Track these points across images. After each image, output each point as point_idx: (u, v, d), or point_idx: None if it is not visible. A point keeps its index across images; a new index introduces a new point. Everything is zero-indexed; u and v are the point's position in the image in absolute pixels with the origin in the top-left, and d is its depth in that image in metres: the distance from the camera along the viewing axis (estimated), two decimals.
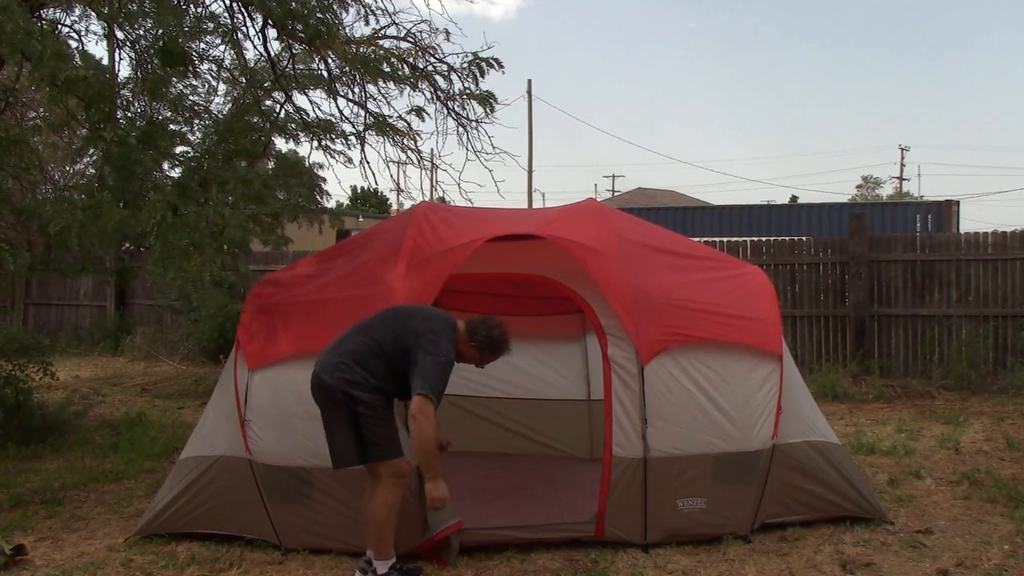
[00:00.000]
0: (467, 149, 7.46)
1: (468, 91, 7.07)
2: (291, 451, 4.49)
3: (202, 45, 7.17)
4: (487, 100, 7.16)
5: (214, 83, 7.60)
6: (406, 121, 7.33)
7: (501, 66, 6.97)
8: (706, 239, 11.72)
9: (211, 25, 6.89)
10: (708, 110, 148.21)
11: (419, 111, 7.19)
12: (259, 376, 4.62)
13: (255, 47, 7.16)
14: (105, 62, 8.47)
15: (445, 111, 7.29)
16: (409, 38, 7.03)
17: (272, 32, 6.71)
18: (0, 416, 6.73)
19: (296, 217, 7.28)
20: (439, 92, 7.18)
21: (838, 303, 10.05)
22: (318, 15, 6.19)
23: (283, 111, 7.57)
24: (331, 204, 8.26)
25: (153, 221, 5.47)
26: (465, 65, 6.94)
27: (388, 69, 6.93)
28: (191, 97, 7.32)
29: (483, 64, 6.93)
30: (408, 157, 7.63)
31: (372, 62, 6.76)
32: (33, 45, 4.92)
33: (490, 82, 7.20)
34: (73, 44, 6.78)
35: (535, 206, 34.53)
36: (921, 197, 40.60)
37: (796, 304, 10.14)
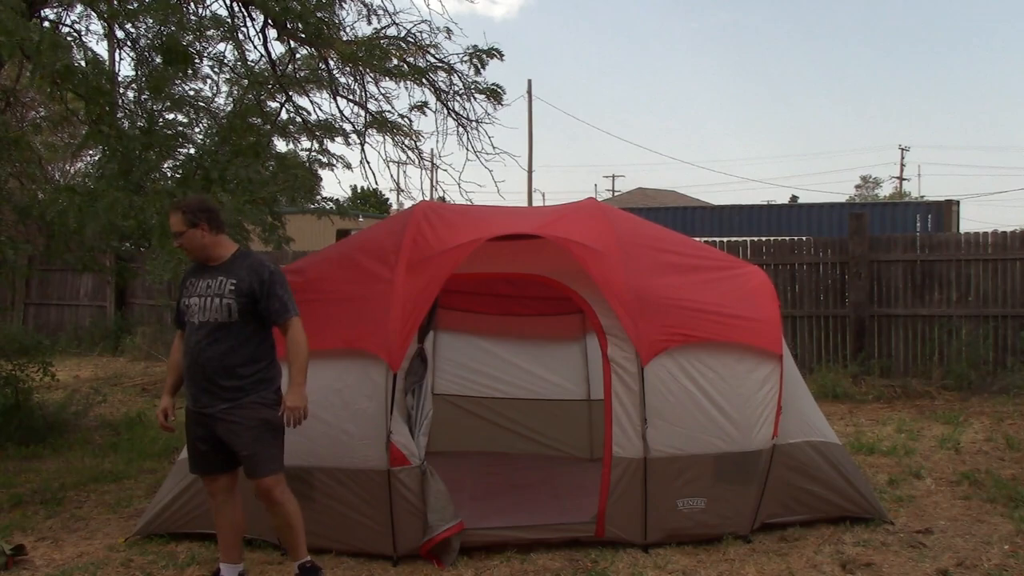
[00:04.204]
0: (467, 149, 7.45)
1: (475, 84, 7.04)
2: (291, 451, 4.47)
3: (204, 44, 7.18)
4: (494, 92, 7.12)
5: (216, 81, 7.62)
6: (408, 119, 7.32)
7: (501, 55, 6.94)
8: (706, 239, 11.72)
9: (212, 27, 6.89)
10: (708, 110, 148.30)
11: (422, 106, 7.17)
12: None
13: (255, 48, 7.16)
14: (106, 62, 8.47)
15: (445, 111, 7.28)
16: (409, 38, 7.03)
17: (272, 32, 6.72)
18: None
19: (294, 199, 7.22)
20: (439, 92, 7.17)
21: (838, 303, 10.05)
22: (318, 15, 6.19)
23: (283, 111, 7.58)
24: (331, 206, 8.21)
25: (154, 210, 5.48)
26: (466, 58, 6.92)
27: (392, 64, 6.92)
28: (194, 99, 7.33)
29: (483, 55, 6.91)
30: (408, 157, 7.63)
31: (375, 56, 6.74)
32: (31, 38, 4.93)
33: (491, 80, 7.16)
34: (75, 45, 6.78)
35: (535, 205, 34.48)
36: (921, 197, 40.58)
37: (796, 304, 10.14)
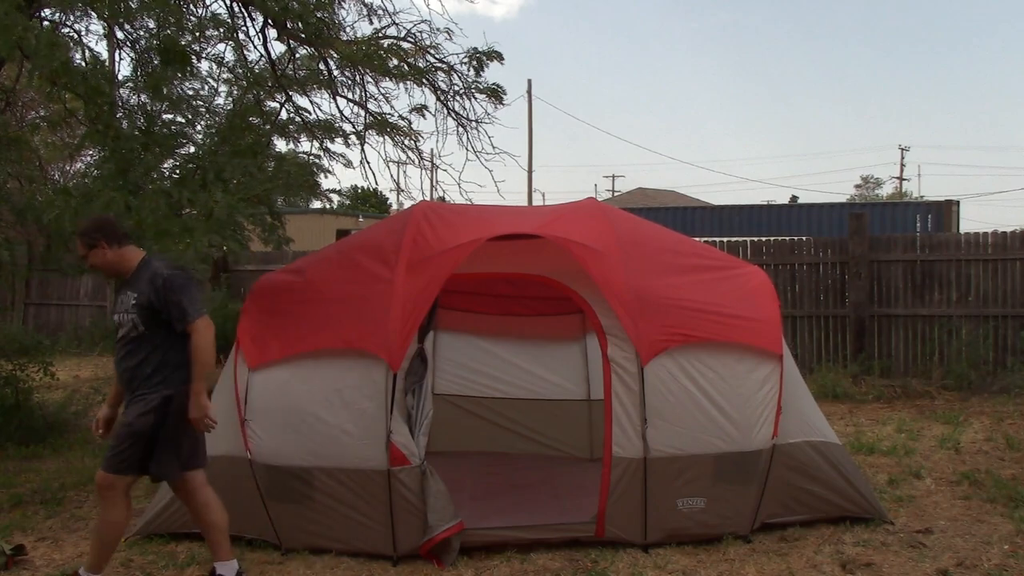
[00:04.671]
0: (467, 149, 7.47)
1: (476, 84, 7.05)
2: (291, 451, 4.49)
3: (203, 45, 7.18)
4: (495, 92, 7.13)
5: (215, 83, 7.62)
6: (407, 119, 7.33)
7: (501, 58, 6.95)
8: (706, 239, 11.72)
9: (212, 27, 6.89)
10: (708, 110, 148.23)
11: (421, 109, 7.17)
12: (259, 376, 4.62)
13: (255, 47, 7.16)
14: (105, 62, 8.46)
15: (445, 111, 7.29)
16: (409, 38, 7.04)
17: (272, 32, 6.72)
18: None
19: (290, 194, 7.22)
20: (439, 92, 7.18)
21: (838, 303, 10.05)
22: (318, 15, 6.19)
23: (283, 111, 7.58)
24: (331, 205, 8.27)
25: (149, 209, 5.48)
26: (465, 60, 6.93)
27: (392, 65, 6.92)
28: (195, 101, 7.32)
29: (483, 57, 6.92)
30: (408, 157, 7.65)
31: (375, 58, 6.75)
32: (28, 38, 4.93)
33: (491, 80, 7.21)
34: (73, 43, 6.77)
35: (535, 205, 34.46)
36: (921, 197, 40.60)
37: (796, 304, 10.14)
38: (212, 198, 5.55)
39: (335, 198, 8.14)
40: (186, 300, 3.93)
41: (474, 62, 6.92)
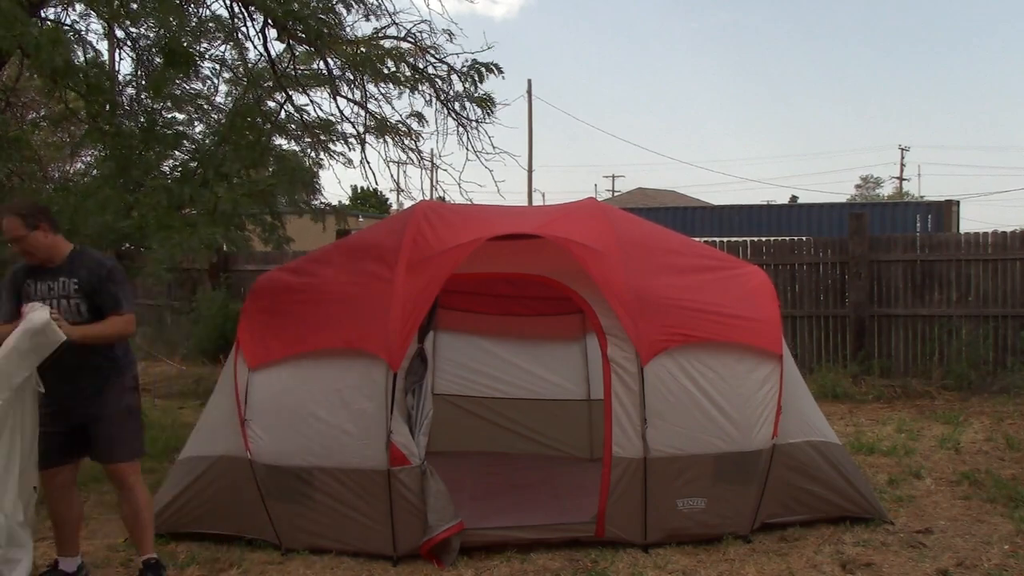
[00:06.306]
0: (467, 149, 7.45)
1: (468, 94, 7.06)
2: (291, 451, 4.49)
3: (204, 45, 7.18)
4: (486, 103, 7.15)
5: (216, 83, 7.62)
6: (406, 125, 7.33)
7: (500, 71, 6.97)
8: (706, 239, 11.71)
9: (213, 26, 6.89)
10: (708, 110, 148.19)
11: (419, 116, 7.19)
12: (259, 376, 4.62)
13: (255, 47, 7.16)
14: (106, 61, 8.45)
15: (445, 111, 7.28)
16: (409, 38, 7.04)
17: (273, 32, 6.72)
18: None
19: (292, 193, 7.24)
20: (439, 93, 7.17)
21: (838, 303, 10.05)
22: (319, 16, 6.19)
23: (283, 111, 7.57)
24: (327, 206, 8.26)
25: (149, 205, 5.49)
26: (464, 70, 6.94)
27: (391, 68, 6.92)
28: (197, 99, 7.32)
29: (482, 69, 6.93)
30: (408, 157, 7.64)
31: (374, 61, 6.76)
32: (30, 33, 4.94)
33: (491, 81, 7.22)
34: (75, 42, 6.77)
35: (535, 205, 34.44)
36: (921, 197, 40.60)
37: (796, 304, 10.13)
38: (215, 194, 5.58)
39: (328, 207, 8.14)
40: (122, 292, 4.05)
41: (474, 74, 6.92)
